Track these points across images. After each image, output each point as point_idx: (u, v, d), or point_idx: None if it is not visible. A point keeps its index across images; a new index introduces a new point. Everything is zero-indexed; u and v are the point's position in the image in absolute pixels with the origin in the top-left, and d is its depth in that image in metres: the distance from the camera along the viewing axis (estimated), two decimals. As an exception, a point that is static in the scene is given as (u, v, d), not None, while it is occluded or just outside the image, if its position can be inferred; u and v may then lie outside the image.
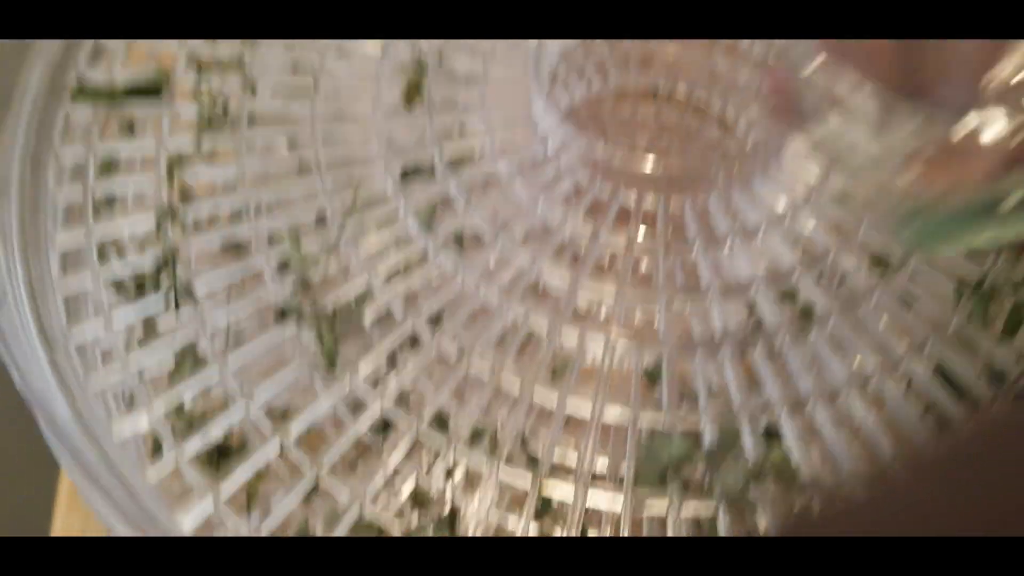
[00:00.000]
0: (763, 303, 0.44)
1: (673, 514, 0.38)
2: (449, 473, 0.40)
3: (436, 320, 0.44)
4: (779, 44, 0.47)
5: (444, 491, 0.40)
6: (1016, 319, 0.45)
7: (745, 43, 0.54)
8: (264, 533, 0.38)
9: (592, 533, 0.42)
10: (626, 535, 0.38)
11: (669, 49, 0.53)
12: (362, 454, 0.45)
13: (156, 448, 0.40)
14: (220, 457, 0.43)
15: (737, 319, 0.45)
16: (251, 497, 0.41)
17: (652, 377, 0.43)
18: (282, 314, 0.44)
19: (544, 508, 0.39)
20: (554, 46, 0.50)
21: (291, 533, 0.39)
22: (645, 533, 0.44)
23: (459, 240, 0.45)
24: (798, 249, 0.45)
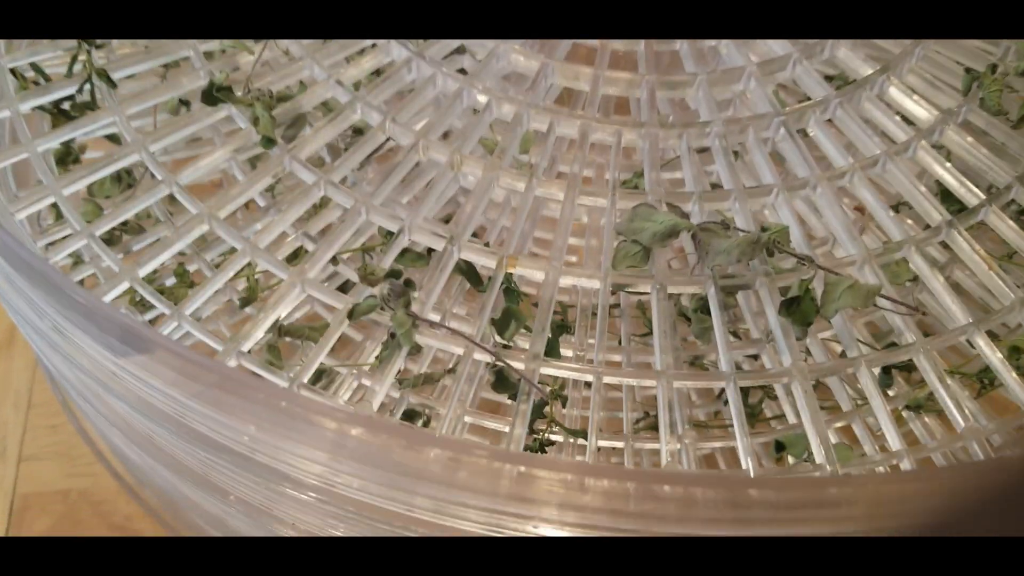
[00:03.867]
0: (756, 90, 0.40)
1: (657, 295, 0.36)
2: (404, 253, 0.37)
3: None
4: None
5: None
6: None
7: None
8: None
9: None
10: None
11: None
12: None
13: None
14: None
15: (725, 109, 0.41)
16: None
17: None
18: (210, 97, 0.39)
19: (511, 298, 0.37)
20: None
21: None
22: (623, 319, 0.44)
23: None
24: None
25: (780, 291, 0.35)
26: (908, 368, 0.40)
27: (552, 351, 0.35)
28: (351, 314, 0.34)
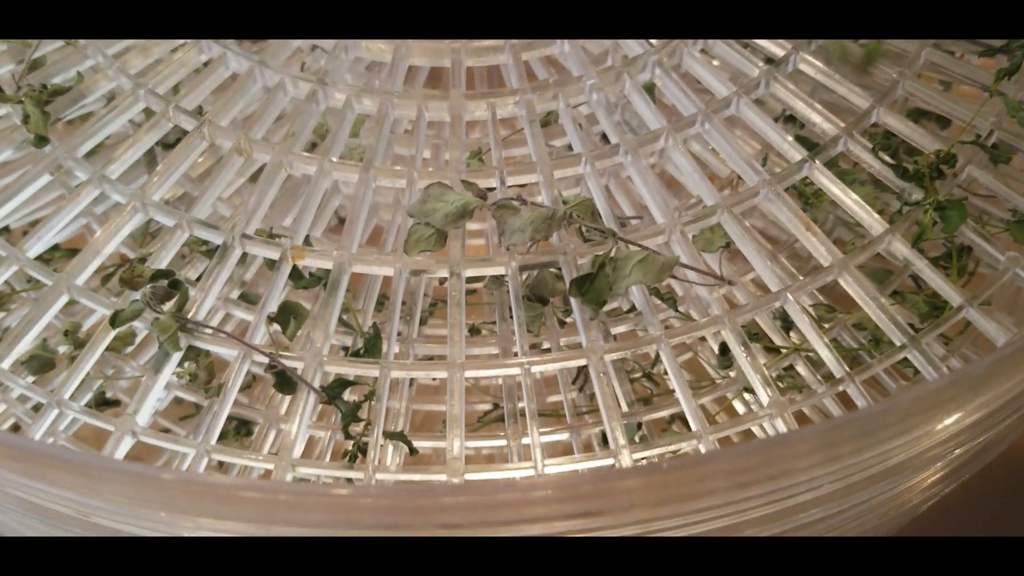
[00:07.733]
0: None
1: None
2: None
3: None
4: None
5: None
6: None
7: None
8: None
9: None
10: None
11: None
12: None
13: None
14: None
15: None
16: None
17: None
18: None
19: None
20: None
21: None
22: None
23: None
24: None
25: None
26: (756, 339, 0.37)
27: (374, 348, 0.33)
28: (113, 321, 0.31)
